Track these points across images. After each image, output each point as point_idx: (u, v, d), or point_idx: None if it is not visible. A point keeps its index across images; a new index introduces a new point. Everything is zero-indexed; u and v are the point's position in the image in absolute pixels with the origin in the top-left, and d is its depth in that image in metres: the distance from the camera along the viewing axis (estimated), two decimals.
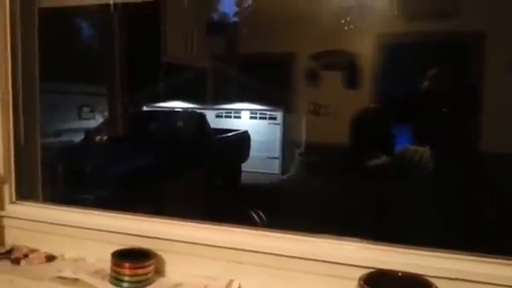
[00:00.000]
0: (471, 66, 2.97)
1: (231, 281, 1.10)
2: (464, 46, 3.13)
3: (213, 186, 4.29)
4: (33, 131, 1.46)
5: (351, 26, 3.47)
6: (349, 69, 3.69)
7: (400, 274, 0.96)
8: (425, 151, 1.54)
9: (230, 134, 4.90)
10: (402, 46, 3.48)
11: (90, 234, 1.26)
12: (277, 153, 4.93)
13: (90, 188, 3.42)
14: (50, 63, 1.58)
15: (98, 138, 4.24)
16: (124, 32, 3.04)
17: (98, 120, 5.20)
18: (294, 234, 1.12)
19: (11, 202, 1.39)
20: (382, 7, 3.39)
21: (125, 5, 1.51)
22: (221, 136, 4.81)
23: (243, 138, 4.93)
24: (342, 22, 3.47)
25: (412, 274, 0.96)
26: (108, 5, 1.42)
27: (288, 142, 4.76)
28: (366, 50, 3.52)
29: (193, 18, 4.45)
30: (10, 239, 1.37)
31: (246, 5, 4.90)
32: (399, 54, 3.52)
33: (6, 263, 1.24)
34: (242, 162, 4.89)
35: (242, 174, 4.90)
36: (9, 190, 1.38)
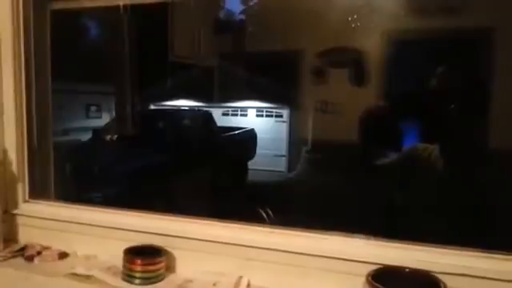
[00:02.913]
0: (480, 62, 2.95)
1: (240, 277, 1.12)
2: (473, 43, 3.11)
3: (220, 183, 4.31)
4: (45, 131, 1.48)
5: (358, 24, 3.46)
6: (356, 66, 3.68)
7: (407, 270, 0.98)
8: (434, 149, 1.54)
9: (236, 132, 4.91)
10: (409, 43, 3.46)
11: (101, 232, 1.28)
12: (283, 151, 4.94)
13: (99, 186, 3.45)
14: (59, 63, 1.60)
15: (106, 136, 4.27)
16: (132, 32, 3.07)
17: (105, 119, 5.24)
18: (302, 231, 1.13)
19: (24, 201, 1.42)
20: (390, 4, 3.37)
21: (133, 6, 1.53)
22: (227, 134, 4.82)
23: (250, 135, 4.93)
24: (349, 19, 3.47)
25: (419, 270, 0.97)
26: (117, 6, 1.44)
27: (295, 139, 4.76)
28: (373, 47, 3.52)
29: (199, 17, 4.47)
30: (24, 237, 1.39)
31: (252, 3, 4.90)
32: (407, 51, 3.50)
33: (20, 261, 1.27)
34: (249, 160, 4.90)
35: (249, 171, 4.91)
36: (22, 189, 1.41)
